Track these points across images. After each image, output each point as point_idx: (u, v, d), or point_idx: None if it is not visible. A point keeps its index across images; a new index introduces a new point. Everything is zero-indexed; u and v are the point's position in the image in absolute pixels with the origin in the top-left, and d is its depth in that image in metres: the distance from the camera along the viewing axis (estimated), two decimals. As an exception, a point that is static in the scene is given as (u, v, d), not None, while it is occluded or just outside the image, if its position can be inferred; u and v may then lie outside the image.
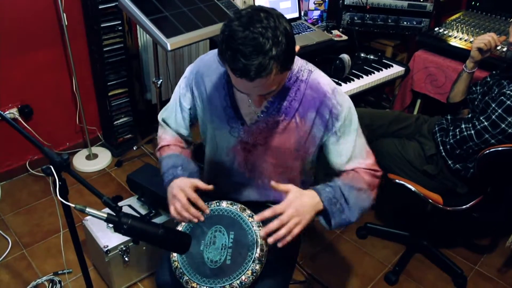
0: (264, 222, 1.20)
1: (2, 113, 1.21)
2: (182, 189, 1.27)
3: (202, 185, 1.30)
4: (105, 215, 1.10)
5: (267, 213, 1.16)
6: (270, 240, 1.15)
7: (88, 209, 1.09)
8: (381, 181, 1.39)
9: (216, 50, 1.36)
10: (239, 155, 1.41)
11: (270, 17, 1.05)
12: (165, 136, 1.50)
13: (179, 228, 1.37)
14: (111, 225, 1.95)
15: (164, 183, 1.36)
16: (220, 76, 1.35)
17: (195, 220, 1.27)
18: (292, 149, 1.35)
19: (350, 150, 1.34)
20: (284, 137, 1.33)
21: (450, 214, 1.98)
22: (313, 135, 1.33)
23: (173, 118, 1.49)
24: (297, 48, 1.14)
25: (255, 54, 1.02)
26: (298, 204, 1.17)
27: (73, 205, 1.10)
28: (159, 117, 1.54)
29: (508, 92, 1.72)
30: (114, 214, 1.12)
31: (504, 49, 1.90)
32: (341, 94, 1.31)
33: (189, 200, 1.27)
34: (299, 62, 1.31)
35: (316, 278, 2.21)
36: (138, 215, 2.04)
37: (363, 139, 1.38)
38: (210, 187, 1.31)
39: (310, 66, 1.33)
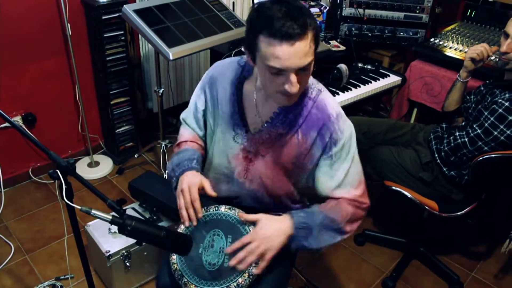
0: None
1: (11, 120, 1.25)
2: (189, 186, 1.32)
3: (208, 188, 1.34)
4: (110, 217, 1.14)
5: (236, 245, 1.27)
6: (241, 267, 1.25)
7: (93, 211, 1.13)
8: (367, 210, 1.40)
9: (231, 58, 1.44)
10: (240, 164, 1.43)
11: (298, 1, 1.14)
12: (184, 133, 1.55)
13: (179, 230, 1.41)
14: (113, 230, 2.01)
15: (177, 173, 1.40)
16: (231, 83, 1.40)
17: (187, 224, 1.33)
18: (291, 163, 1.38)
19: (341, 178, 1.34)
20: (285, 151, 1.36)
21: (446, 221, 2.01)
22: (313, 154, 1.35)
23: (191, 117, 1.54)
24: None
25: (295, 14, 1.09)
26: (263, 233, 1.27)
27: (79, 207, 1.13)
28: (181, 116, 1.59)
29: (500, 100, 1.77)
30: (119, 216, 1.16)
31: (497, 59, 1.95)
32: (344, 121, 1.33)
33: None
34: (310, 80, 1.32)
35: (314, 284, 2.24)
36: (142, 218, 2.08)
37: (359, 168, 1.38)
38: (214, 194, 1.35)
39: (320, 86, 1.36)
